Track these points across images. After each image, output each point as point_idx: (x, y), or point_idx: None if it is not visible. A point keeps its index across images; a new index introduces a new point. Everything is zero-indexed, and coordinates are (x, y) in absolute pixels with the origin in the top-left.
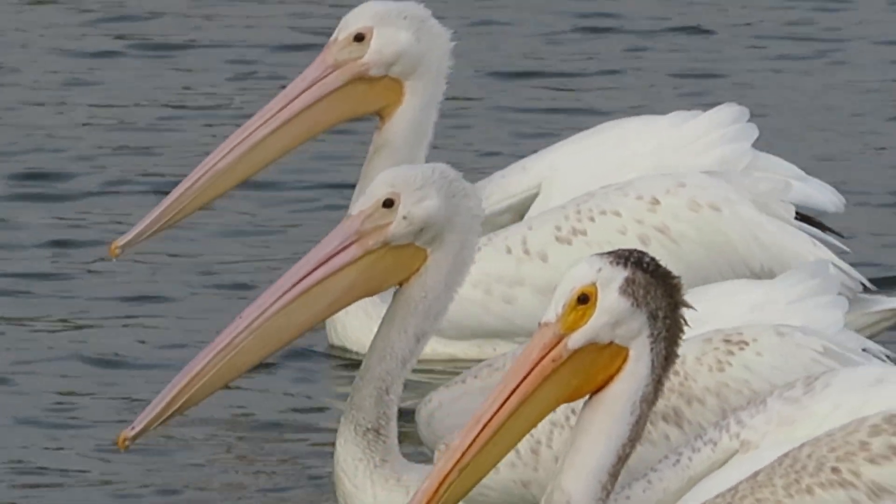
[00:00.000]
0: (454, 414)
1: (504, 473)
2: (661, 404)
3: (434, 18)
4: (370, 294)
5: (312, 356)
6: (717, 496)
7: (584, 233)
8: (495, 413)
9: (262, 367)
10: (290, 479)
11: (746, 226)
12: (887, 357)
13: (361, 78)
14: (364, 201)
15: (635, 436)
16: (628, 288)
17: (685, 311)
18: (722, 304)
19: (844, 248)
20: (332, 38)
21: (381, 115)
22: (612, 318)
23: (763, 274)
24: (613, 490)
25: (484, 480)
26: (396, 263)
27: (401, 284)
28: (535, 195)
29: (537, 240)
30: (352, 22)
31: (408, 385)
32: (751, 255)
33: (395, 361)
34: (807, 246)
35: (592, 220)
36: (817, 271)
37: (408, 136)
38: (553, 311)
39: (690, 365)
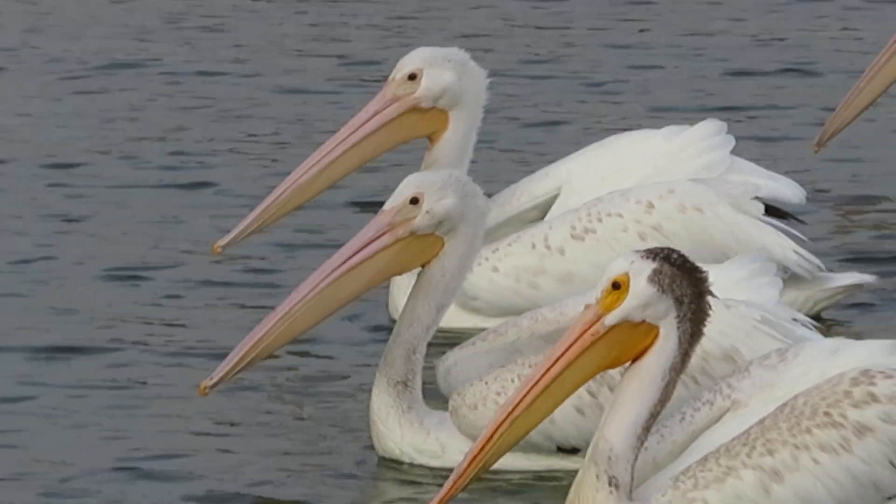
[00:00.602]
0: (466, 369)
1: None
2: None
3: (472, 61)
4: (399, 273)
5: (373, 327)
6: (733, 439)
7: (594, 231)
8: (543, 375)
9: (333, 334)
10: (334, 429)
11: (725, 224)
12: (813, 326)
13: (414, 109)
14: (394, 199)
15: (665, 397)
16: (655, 277)
17: (710, 298)
18: None
19: (803, 237)
20: (390, 77)
21: (430, 139)
22: (641, 301)
23: None
24: (643, 444)
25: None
26: (420, 249)
27: (423, 266)
28: (556, 196)
29: (556, 237)
30: (406, 64)
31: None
32: (728, 247)
33: (421, 328)
34: (774, 238)
35: (600, 220)
36: (757, 258)
37: (452, 155)
38: (594, 296)
39: None
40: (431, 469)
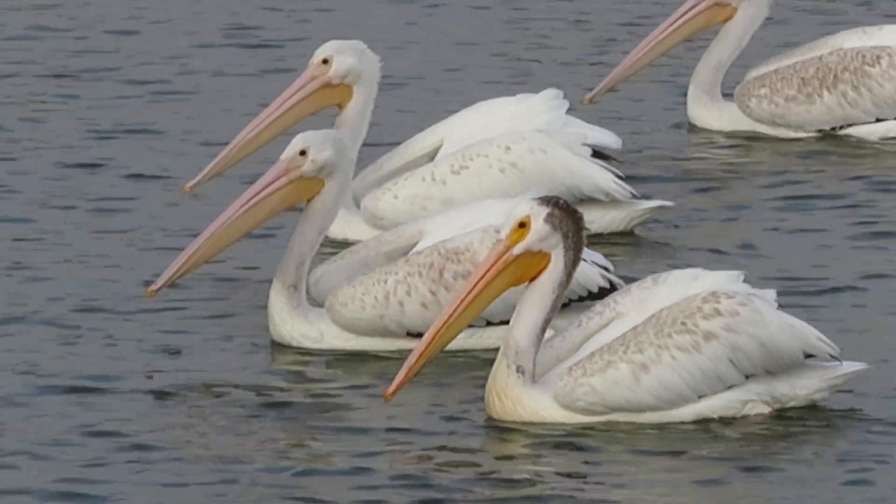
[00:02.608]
0: (329, 280)
1: (368, 312)
2: (459, 269)
3: (369, 49)
4: (293, 205)
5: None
6: (613, 340)
7: (467, 168)
8: (469, 292)
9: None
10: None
11: (562, 161)
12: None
13: (327, 85)
14: (288, 152)
15: (555, 307)
16: (549, 218)
17: (584, 232)
18: (488, 211)
19: (622, 175)
20: (309, 62)
21: (339, 106)
22: (539, 236)
23: (573, 189)
24: (542, 340)
25: (357, 315)
26: (307, 188)
27: (309, 200)
28: (440, 146)
29: (440, 172)
30: (321, 53)
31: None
32: (564, 178)
33: (307, 246)
34: (598, 171)
35: (472, 159)
36: (540, 194)
37: (356, 118)
38: (504, 232)
39: (476, 245)
40: (312, 350)
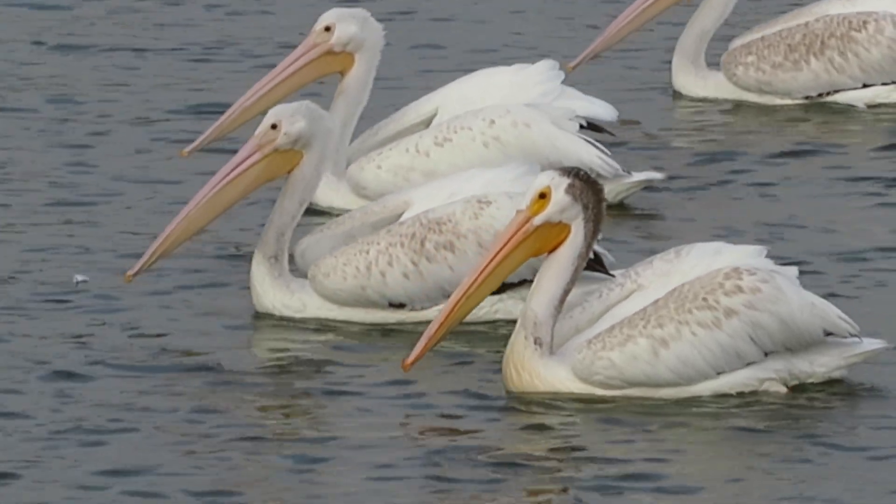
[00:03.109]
0: (315, 250)
1: (350, 282)
2: (441, 239)
3: (372, 17)
4: (271, 179)
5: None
6: (633, 314)
7: (450, 140)
8: (489, 262)
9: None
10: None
11: (547, 137)
12: None
13: (329, 52)
14: (260, 128)
15: (574, 278)
16: (570, 189)
17: (605, 203)
18: (472, 181)
19: (607, 151)
20: (311, 29)
21: (341, 74)
22: (559, 207)
23: (556, 165)
24: (561, 312)
25: (338, 286)
26: (284, 161)
27: (289, 173)
28: (435, 114)
29: (424, 143)
30: (323, 20)
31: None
32: (548, 153)
33: (288, 217)
34: (582, 147)
35: (456, 132)
36: (523, 164)
37: (357, 86)
38: (524, 203)
39: (458, 215)
40: (294, 319)
